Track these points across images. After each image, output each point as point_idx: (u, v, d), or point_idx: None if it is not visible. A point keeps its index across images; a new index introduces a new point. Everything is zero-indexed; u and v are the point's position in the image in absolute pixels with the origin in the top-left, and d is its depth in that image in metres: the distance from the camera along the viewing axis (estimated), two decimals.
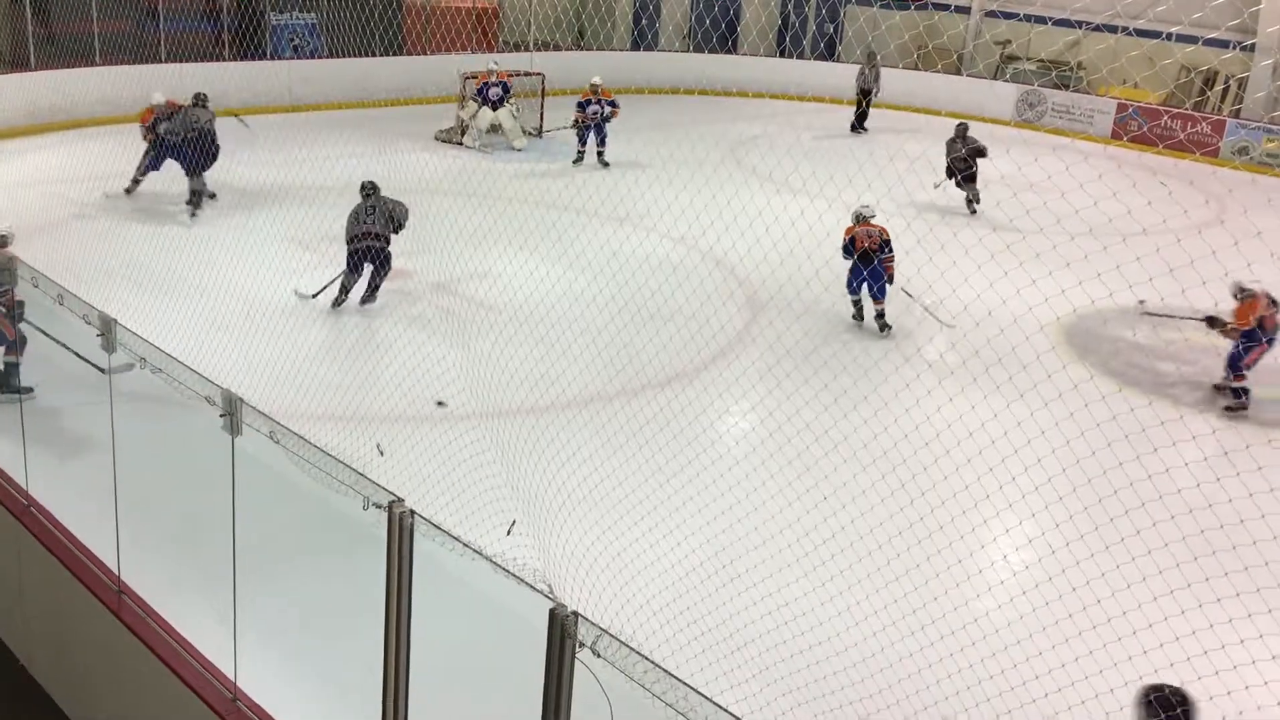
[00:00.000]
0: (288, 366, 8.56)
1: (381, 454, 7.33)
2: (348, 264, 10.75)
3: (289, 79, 18.80)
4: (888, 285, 11.02)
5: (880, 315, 11.22)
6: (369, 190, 10.97)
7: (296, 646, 5.91)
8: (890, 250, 11.07)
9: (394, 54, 19.77)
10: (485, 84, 17.56)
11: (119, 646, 5.58)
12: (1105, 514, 6.55)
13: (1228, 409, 9.83)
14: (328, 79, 19.22)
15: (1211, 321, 9.99)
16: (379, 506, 4.14)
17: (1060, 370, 9.65)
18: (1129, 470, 6.58)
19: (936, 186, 15.60)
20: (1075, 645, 5.84)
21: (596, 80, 16.83)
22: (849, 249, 11.10)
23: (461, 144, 17.78)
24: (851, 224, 11.15)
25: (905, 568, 6.43)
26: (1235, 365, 9.90)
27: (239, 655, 5.00)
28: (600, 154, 16.81)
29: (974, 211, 15.79)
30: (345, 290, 10.77)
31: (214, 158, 13.60)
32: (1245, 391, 9.88)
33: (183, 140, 13.41)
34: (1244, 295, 9.77)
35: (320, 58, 20.31)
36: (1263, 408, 9.85)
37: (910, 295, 11.45)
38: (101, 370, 6.31)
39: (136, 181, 13.96)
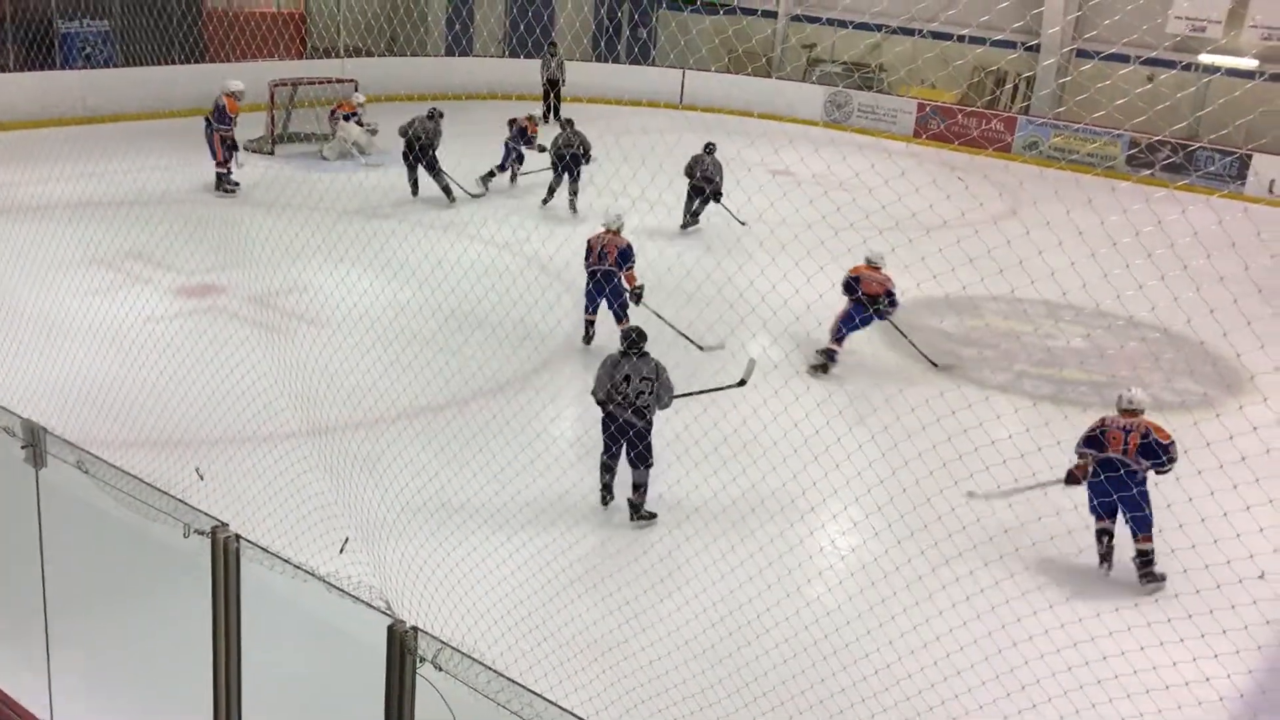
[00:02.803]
0: (95, 392, 8.12)
1: (201, 478, 7.04)
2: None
3: (82, 90, 17.81)
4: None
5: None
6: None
7: (119, 688, 5.60)
8: (893, 303, 10.19)
9: (195, 62, 18.96)
10: (350, 113, 17.40)
11: None
12: (923, 494, 6.89)
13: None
14: (124, 89, 18.30)
15: (1073, 478, 7.23)
16: (201, 533, 3.98)
17: (874, 360, 10.08)
18: (941, 451, 6.93)
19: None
20: (901, 621, 6.12)
21: (534, 114, 16.84)
22: (851, 288, 10.24)
23: (273, 154, 17.24)
24: (861, 265, 10.34)
25: (740, 559, 6.59)
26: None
27: (55, 701, 4.73)
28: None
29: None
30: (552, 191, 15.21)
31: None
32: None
33: None
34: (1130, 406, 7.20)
35: (115, 67, 19.30)
36: (1065, 388, 10.50)
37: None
38: None
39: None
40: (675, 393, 7.60)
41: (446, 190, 15.30)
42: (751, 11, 25.00)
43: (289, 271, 11.39)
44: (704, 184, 14.48)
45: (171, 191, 14.34)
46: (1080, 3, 21.47)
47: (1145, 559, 6.92)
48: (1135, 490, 6.83)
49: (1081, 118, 20.57)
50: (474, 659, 3.50)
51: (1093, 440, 7.05)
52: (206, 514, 4.03)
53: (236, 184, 14.97)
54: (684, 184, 14.97)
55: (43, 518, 4.64)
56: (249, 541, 3.96)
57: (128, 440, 7.58)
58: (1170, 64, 18.20)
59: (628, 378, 7.39)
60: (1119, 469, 6.84)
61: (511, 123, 16.52)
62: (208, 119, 14.73)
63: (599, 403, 7.53)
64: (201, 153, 15.36)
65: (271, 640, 4.52)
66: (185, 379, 8.60)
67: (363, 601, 3.81)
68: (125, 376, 8.61)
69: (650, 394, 7.39)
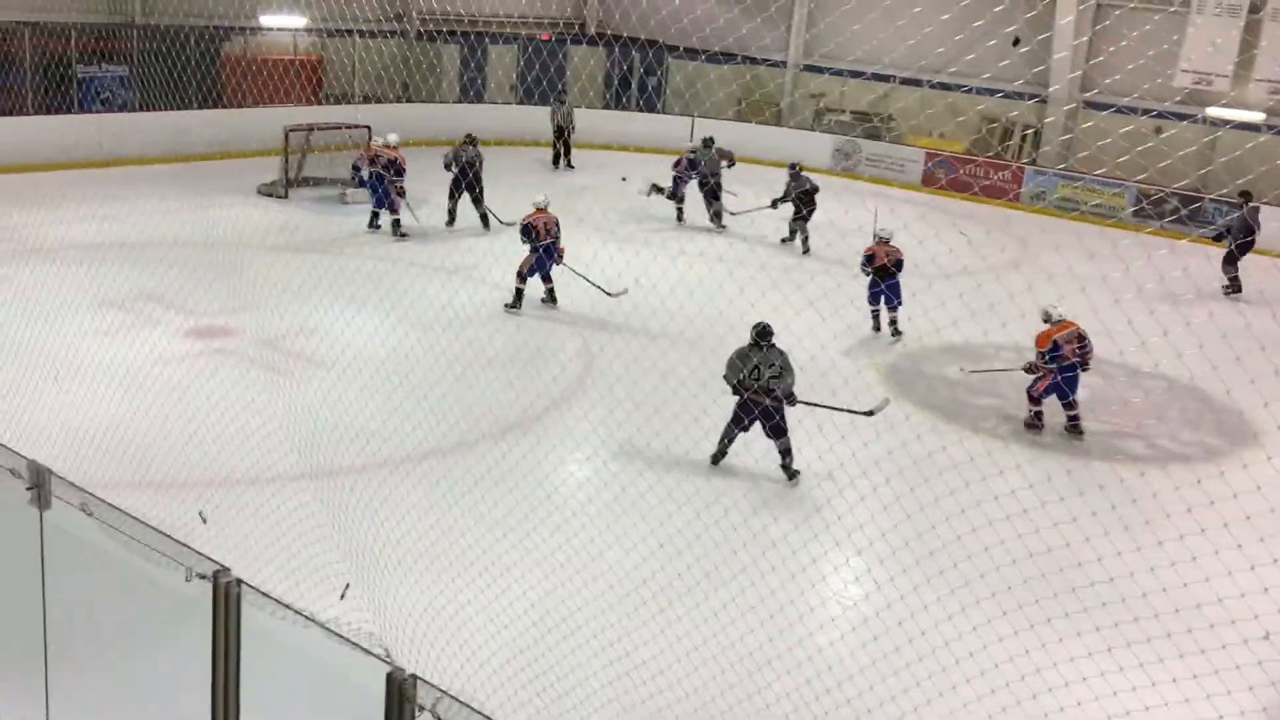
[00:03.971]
0: (102, 433, 8.16)
1: (204, 521, 7.05)
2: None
3: (99, 133, 18.03)
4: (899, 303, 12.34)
5: (894, 323, 12.49)
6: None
7: None
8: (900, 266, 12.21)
9: (211, 107, 19.20)
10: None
11: None
12: (926, 547, 6.87)
13: (1028, 426, 10.41)
14: (140, 132, 18.51)
15: (1031, 368, 10.28)
16: (203, 577, 3.99)
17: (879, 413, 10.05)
18: (944, 505, 6.92)
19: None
20: (908, 674, 6.07)
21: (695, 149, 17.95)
22: (868, 263, 12.33)
23: (286, 197, 17.37)
24: (872, 244, 12.31)
25: (741, 609, 6.56)
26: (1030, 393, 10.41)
27: None
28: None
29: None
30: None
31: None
32: (1039, 415, 10.42)
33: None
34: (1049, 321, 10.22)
35: (132, 111, 19.56)
36: (1069, 438, 10.39)
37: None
38: None
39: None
40: (802, 398, 8.66)
41: (484, 219, 16.05)
42: (762, 61, 25.21)
43: (300, 314, 11.46)
44: (809, 201, 16.09)
45: (185, 234, 14.45)
46: (1088, 55, 21.62)
47: (1074, 419, 10.22)
48: (1077, 376, 10.10)
49: (1088, 170, 20.64)
50: (473, 708, 3.49)
51: (1055, 355, 9.91)
52: (209, 558, 4.04)
53: (405, 232, 15.72)
54: None
55: (46, 560, 4.65)
56: (250, 586, 3.97)
57: (132, 482, 7.60)
58: (1178, 117, 18.30)
59: (758, 367, 8.53)
60: (1071, 366, 9.99)
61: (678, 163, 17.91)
62: (379, 174, 15.55)
63: (731, 388, 8.66)
64: (216, 195, 15.59)
65: (271, 686, 4.50)
66: (192, 420, 8.64)
67: (362, 649, 3.81)
68: (132, 417, 8.66)
69: (779, 380, 8.54)
